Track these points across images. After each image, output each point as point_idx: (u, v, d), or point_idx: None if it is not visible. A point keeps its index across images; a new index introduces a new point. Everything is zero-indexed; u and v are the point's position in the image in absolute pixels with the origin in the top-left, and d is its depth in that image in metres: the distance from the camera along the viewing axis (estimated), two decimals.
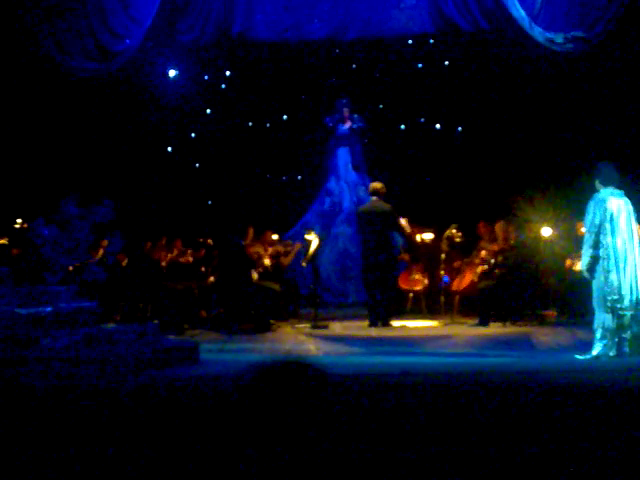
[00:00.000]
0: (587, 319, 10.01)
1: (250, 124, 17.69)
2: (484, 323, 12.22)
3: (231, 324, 12.19)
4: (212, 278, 13.26)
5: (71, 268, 10.71)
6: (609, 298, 8.74)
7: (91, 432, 4.66)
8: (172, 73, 16.86)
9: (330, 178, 17.07)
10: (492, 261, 12.67)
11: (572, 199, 13.03)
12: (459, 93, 16.62)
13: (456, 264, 13.34)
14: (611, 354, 8.74)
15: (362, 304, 13.55)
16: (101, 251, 12.81)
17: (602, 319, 8.79)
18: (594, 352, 8.79)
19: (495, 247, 12.71)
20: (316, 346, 10.64)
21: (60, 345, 8.26)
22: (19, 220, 14.90)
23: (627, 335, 8.79)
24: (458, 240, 13.28)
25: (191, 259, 13.57)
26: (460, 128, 17.23)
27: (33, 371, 7.68)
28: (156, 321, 11.05)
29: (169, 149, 17.48)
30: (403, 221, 12.70)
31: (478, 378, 7.32)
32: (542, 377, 7.36)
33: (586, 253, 8.87)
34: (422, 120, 17.50)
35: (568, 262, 12.28)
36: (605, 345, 8.77)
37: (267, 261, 13.11)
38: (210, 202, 17.59)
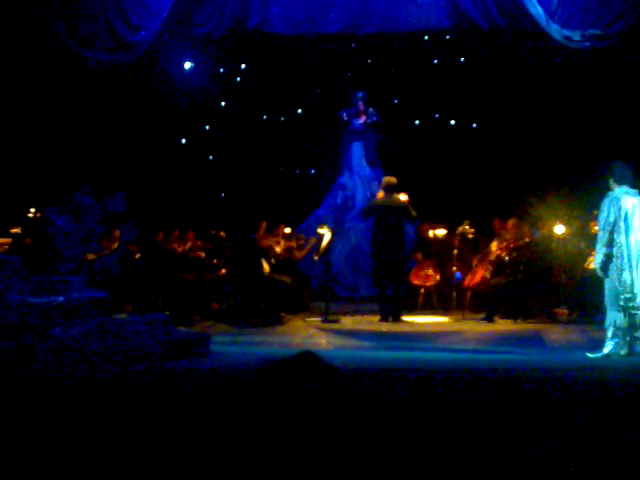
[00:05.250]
0: (599, 317, 9.97)
1: (265, 117, 17.70)
2: (490, 319, 12.23)
3: (242, 317, 12.21)
4: (224, 270, 13.27)
5: (82, 258, 10.72)
6: (622, 297, 8.71)
7: (101, 423, 4.67)
8: (187, 65, 16.86)
9: (344, 172, 17.04)
10: (505, 258, 12.64)
11: (586, 197, 12.99)
12: (474, 89, 16.59)
13: (473, 262, 13.29)
14: (622, 353, 8.72)
15: (373, 299, 13.54)
16: (115, 242, 12.83)
17: (614, 317, 8.76)
18: (605, 350, 8.77)
19: (508, 244, 12.68)
20: (327, 340, 10.65)
21: (71, 335, 8.27)
22: (32, 209, 14.94)
23: (639, 334, 8.77)
24: (471, 236, 13.27)
25: (203, 254, 13.59)
26: (475, 125, 17.20)
27: (43, 360, 7.70)
28: (167, 312, 11.07)
29: (183, 141, 17.51)
30: (403, 196, 12.75)
31: (488, 374, 7.30)
32: (553, 375, 7.33)
33: (600, 251, 8.84)
34: (437, 116, 17.49)
35: (590, 259, 12.15)
36: (616, 344, 8.75)
37: (278, 249, 13.11)
38: (223, 194, 17.61)
